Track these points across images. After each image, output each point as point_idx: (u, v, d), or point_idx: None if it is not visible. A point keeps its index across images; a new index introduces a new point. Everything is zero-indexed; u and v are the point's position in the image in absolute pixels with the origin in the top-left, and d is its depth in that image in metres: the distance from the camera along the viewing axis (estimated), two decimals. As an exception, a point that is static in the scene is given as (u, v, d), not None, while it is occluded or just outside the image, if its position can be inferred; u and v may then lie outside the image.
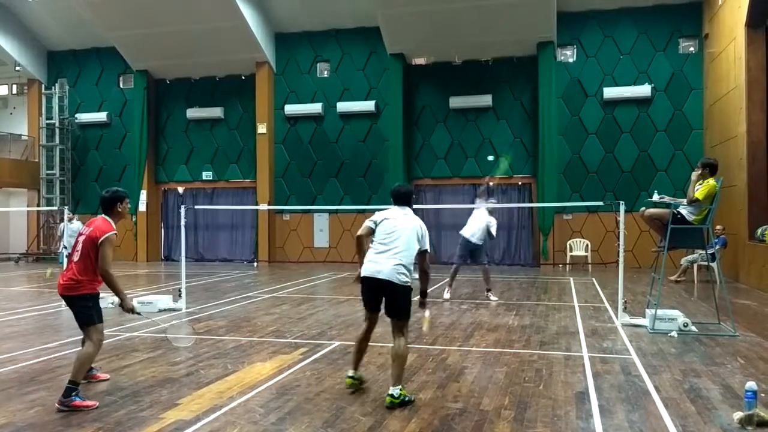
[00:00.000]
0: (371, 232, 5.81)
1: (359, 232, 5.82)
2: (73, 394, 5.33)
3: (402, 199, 6.00)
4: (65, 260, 14.29)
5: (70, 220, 15.25)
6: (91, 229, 5.72)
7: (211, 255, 23.36)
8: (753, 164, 14.62)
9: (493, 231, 12.17)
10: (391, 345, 5.59)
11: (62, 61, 24.87)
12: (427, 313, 6.03)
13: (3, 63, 24.33)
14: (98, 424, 4.95)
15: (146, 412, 5.25)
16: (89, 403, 5.37)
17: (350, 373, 5.93)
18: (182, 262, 11.62)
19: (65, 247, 14.83)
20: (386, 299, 5.65)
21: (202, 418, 5.09)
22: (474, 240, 12.04)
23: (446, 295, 12.24)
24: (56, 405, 5.31)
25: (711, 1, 17.98)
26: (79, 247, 5.66)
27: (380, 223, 5.78)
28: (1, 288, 14.89)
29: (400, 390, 5.35)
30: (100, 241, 5.63)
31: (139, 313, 6.29)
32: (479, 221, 12.10)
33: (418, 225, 5.79)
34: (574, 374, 6.45)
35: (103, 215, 5.91)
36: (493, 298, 12.07)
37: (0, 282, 16.20)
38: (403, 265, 5.58)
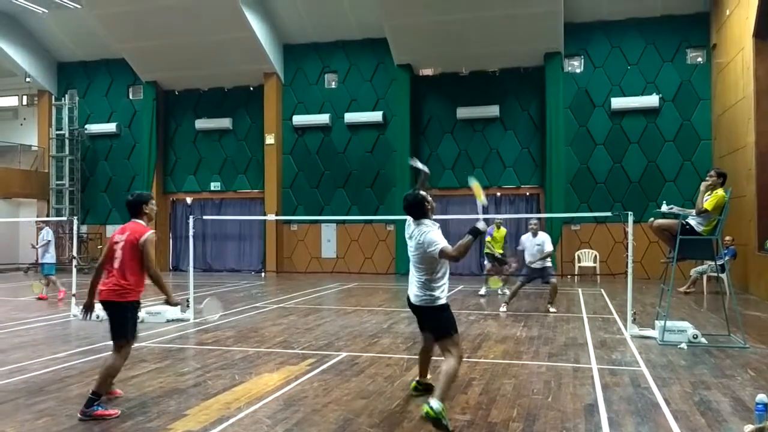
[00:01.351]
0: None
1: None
2: (95, 404, 5.36)
3: (410, 210, 5.69)
4: (54, 270, 14.32)
5: (40, 229, 15.32)
6: (128, 233, 5.71)
7: (219, 265, 23.40)
8: (762, 174, 14.54)
9: (547, 248, 12.14)
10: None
11: (72, 73, 25.07)
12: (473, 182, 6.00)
13: (13, 74, 24.55)
14: (106, 435, 4.95)
15: (154, 422, 5.26)
16: (111, 411, 5.40)
17: (417, 378, 6.16)
18: (190, 272, 11.64)
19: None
20: (423, 320, 5.76)
21: (209, 429, 5.08)
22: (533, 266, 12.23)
23: (503, 308, 12.22)
24: (78, 415, 5.32)
25: (719, 11, 17.97)
26: (118, 254, 5.66)
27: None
28: (11, 298, 14.95)
29: (442, 407, 4.90)
30: (141, 242, 5.64)
31: (184, 310, 6.49)
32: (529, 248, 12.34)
33: (419, 233, 5.52)
34: (582, 386, 6.41)
35: (132, 219, 5.89)
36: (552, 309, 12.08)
37: (9, 292, 16.27)
38: (424, 283, 5.55)
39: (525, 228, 20.72)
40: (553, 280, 12.21)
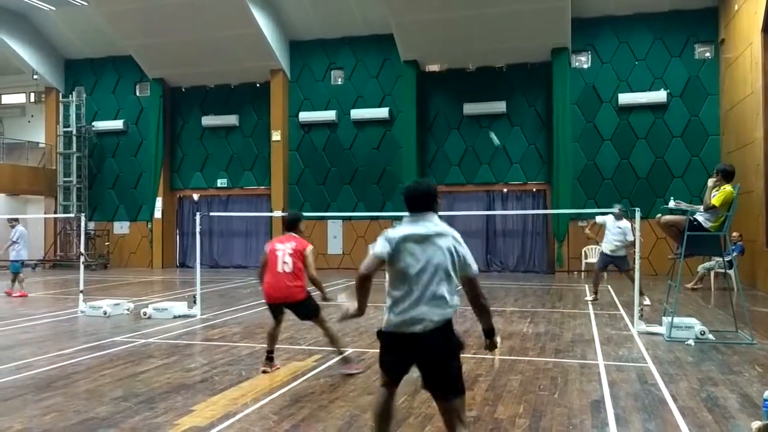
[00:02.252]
0: None
1: None
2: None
3: (421, 201, 4.08)
4: (20, 268, 14.31)
5: (13, 226, 15.31)
6: (294, 244, 6.71)
7: (225, 261, 23.45)
8: (770, 170, 14.47)
9: (629, 238, 12.26)
10: None
11: (79, 70, 25.15)
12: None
13: (21, 72, 24.65)
14: (114, 430, 4.98)
15: (161, 418, 5.28)
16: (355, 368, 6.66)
17: None
18: (197, 268, 11.67)
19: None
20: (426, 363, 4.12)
21: (216, 425, 5.10)
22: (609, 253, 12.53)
23: (589, 297, 12.89)
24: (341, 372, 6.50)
25: (727, 6, 17.86)
26: (287, 259, 6.60)
27: None
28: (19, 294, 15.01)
29: None
30: (306, 252, 6.69)
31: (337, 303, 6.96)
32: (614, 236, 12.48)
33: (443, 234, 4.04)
34: (589, 382, 6.40)
35: (289, 233, 6.89)
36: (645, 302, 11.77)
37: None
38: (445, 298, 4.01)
39: (532, 224, 20.82)
40: (628, 270, 12.30)
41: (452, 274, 3.85)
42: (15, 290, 14.60)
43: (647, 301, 12.08)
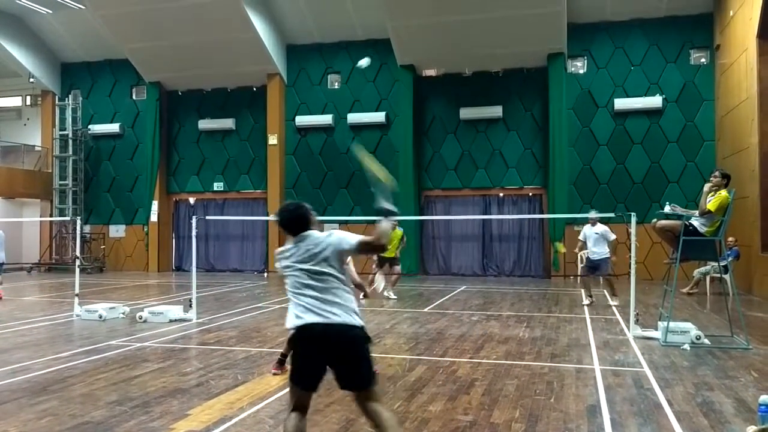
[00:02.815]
0: None
1: None
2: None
3: (295, 224, 4.21)
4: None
5: None
6: None
7: (221, 265, 23.41)
8: (765, 175, 14.51)
9: (611, 237, 13.03)
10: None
11: (76, 73, 25.12)
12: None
13: (17, 74, 24.60)
14: (109, 435, 4.96)
15: (156, 422, 5.26)
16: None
17: None
18: (193, 272, 11.66)
19: None
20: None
21: (212, 429, 5.09)
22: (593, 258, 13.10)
23: (585, 301, 13.12)
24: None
25: (722, 12, 17.94)
26: None
27: None
28: (14, 297, 14.98)
29: None
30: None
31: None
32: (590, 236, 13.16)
33: (315, 241, 4.16)
34: (585, 387, 6.41)
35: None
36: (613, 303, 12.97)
37: (13, 292, 16.30)
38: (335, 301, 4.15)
39: (528, 229, 20.84)
40: (607, 276, 13.05)
41: (341, 276, 4.06)
42: None
43: (615, 302, 12.86)
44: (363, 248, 4.16)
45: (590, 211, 13.55)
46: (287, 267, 4.14)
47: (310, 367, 4.07)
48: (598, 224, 13.01)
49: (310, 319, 3.95)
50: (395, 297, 14.11)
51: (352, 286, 5.36)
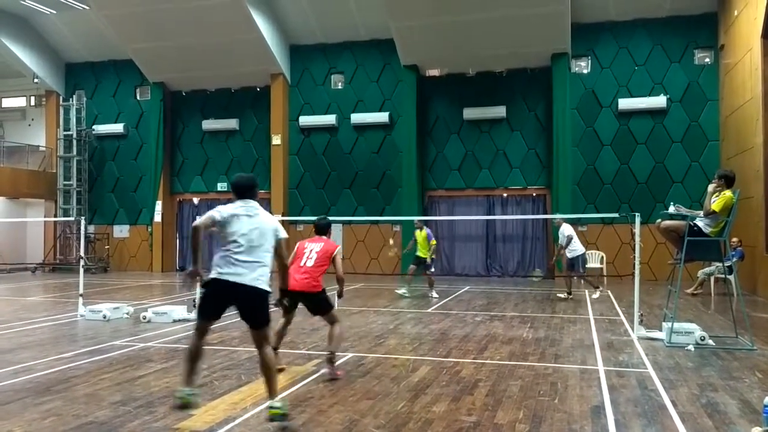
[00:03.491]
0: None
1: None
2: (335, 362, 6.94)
3: (249, 190, 5.38)
4: None
5: None
6: (323, 245, 7.29)
7: (225, 265, 23.38)
8: (770, 176, 14.48)
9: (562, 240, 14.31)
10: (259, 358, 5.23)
11: (80, 73, 25.18)
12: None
13: (21, 75, 24.67)
14: (112, 435, 4.97)
15: (160, 422, 5.27)
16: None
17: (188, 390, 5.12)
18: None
19: None
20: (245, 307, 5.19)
21: (216, 429, 5.09)
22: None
23: (595, 295, 14.19)
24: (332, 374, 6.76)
25: (726, 12, 17.90)
26: (312, 255, 7.18)
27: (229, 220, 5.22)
28: (18, 297, 15.02)
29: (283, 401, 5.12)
30: (335, 252, 7.29)
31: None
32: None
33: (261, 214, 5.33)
34: (589, 388, 6.39)
35: (320, 236, 7.54)
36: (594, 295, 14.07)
37: (17, 292, 16.34)
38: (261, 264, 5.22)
39: (532, 229, 20.80)
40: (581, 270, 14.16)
41: (269, 242, 5.24)
42: None
43: (596, 294, 13.84)
44: (278, 251, 5.36)
45: (555, 213, 14.44)
46: (226, 222, 5.17)
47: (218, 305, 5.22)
48: (564, 225, 14.12)
49: (230, 271, 5.07)
50: (437, 296, 14.53)
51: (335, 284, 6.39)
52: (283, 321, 7.25)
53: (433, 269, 15.02)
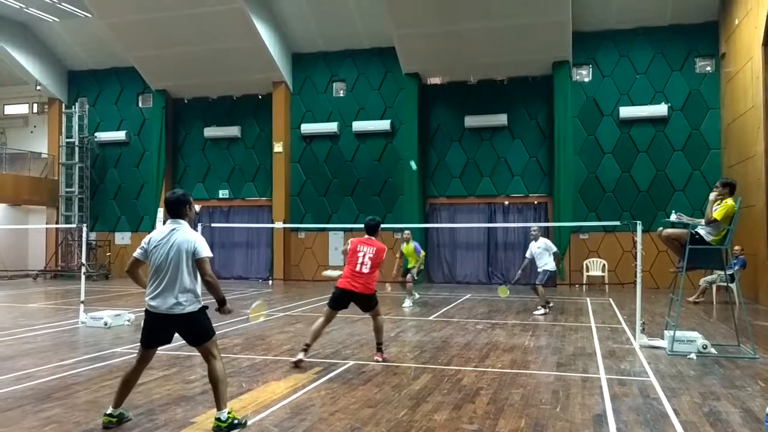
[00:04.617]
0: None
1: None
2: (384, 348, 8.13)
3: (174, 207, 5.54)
4: None
5: None
6: (375, 249, 7.83)
7: (226, 273, 23.42)
8: (772, 184, 14.46)
9: (553, 248, 13.95)
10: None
11: (82, 81, 25.26)
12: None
13: (24, 82, 24.76)
14: (113, 442, 4.95)
15: (161, 430, 5.26)
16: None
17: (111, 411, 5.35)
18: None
19: None
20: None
21: (216, 437, 5.07)
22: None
23: (539, 311, 13.21)
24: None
25: (728, 20, 17.94)
26: (366, 261, 7.78)
27: None
28: (19, 304, 15.02)
29: (229, 413, 5.24)
30: (384, 256, 7.93)
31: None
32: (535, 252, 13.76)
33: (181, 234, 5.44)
34: (591, 396, 6.38)
35: (369, 237, 8.02)
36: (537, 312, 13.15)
37: (18, 299, 16.34)
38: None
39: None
40: (539, 286, 13.45)
41: (189, 263, 5.33)
42: None
43: (540, 311, 12.97)
44: (200, 271, 5.43)
45: (533, 230, 14.04)
46: (148, 255, 5.44)
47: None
48: (540, 239, 13.69)
49: (156, 301, 5.28)
50: (410, 305, 14.45)
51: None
52: (323, 320, 7.90)
53: (415, 277, 15.23)
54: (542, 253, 13.49)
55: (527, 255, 13.94)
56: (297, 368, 7.56)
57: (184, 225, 5.44)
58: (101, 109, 24.89)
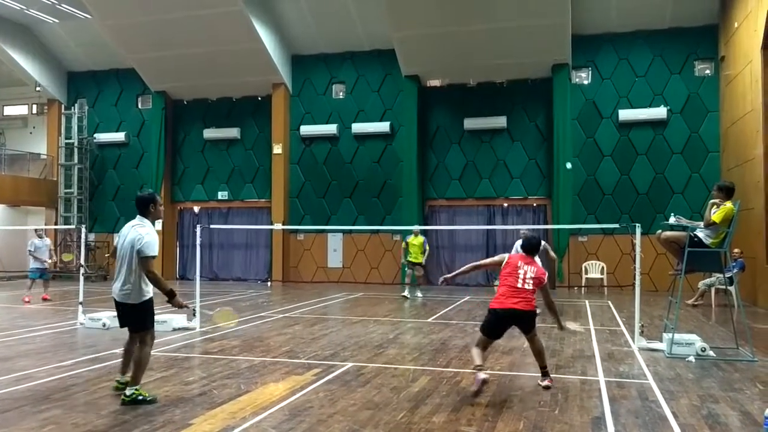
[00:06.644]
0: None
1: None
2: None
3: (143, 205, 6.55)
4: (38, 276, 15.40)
5: (40, 236, 16.79)
6: (536, 270, 6.92)
7: (225, 274, 23.42)
8: (771, 187, 14.48)
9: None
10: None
11: (82, 82, 25.26)
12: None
13: (24, 83, 24.75)
14: (111, 444, 4.95)
15: (159, 431, 5.25)
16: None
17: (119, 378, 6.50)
18: (197, 281, 11.66)
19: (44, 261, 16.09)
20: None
21: (214, 439, 5.07)
22: None
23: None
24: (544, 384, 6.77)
25: (727, 23, 17.96)
26: (528, 279, 6.85)
27: None
28: (18, 306, 15.00)
29: (135, 389, 6.04)
30: (545, 282, 6.99)
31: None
32: None
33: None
34: (590, 399, 6.37)
35: (529, 256, 7.13)
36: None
37: (16, 299, 16.31)
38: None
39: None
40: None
41: (131, 257, 6.07)
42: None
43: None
44: (146, 268, 6.04)
45: (522, 232, 13.80)
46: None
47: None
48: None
49: (113, 286, 6.26)
50: (420, 296, 15.46)
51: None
52: (484, 343, 7.00)
53: (420, 272, 16.35)
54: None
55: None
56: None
57: (145, 223, 6.28)
58: (100, 111, 24.88)
